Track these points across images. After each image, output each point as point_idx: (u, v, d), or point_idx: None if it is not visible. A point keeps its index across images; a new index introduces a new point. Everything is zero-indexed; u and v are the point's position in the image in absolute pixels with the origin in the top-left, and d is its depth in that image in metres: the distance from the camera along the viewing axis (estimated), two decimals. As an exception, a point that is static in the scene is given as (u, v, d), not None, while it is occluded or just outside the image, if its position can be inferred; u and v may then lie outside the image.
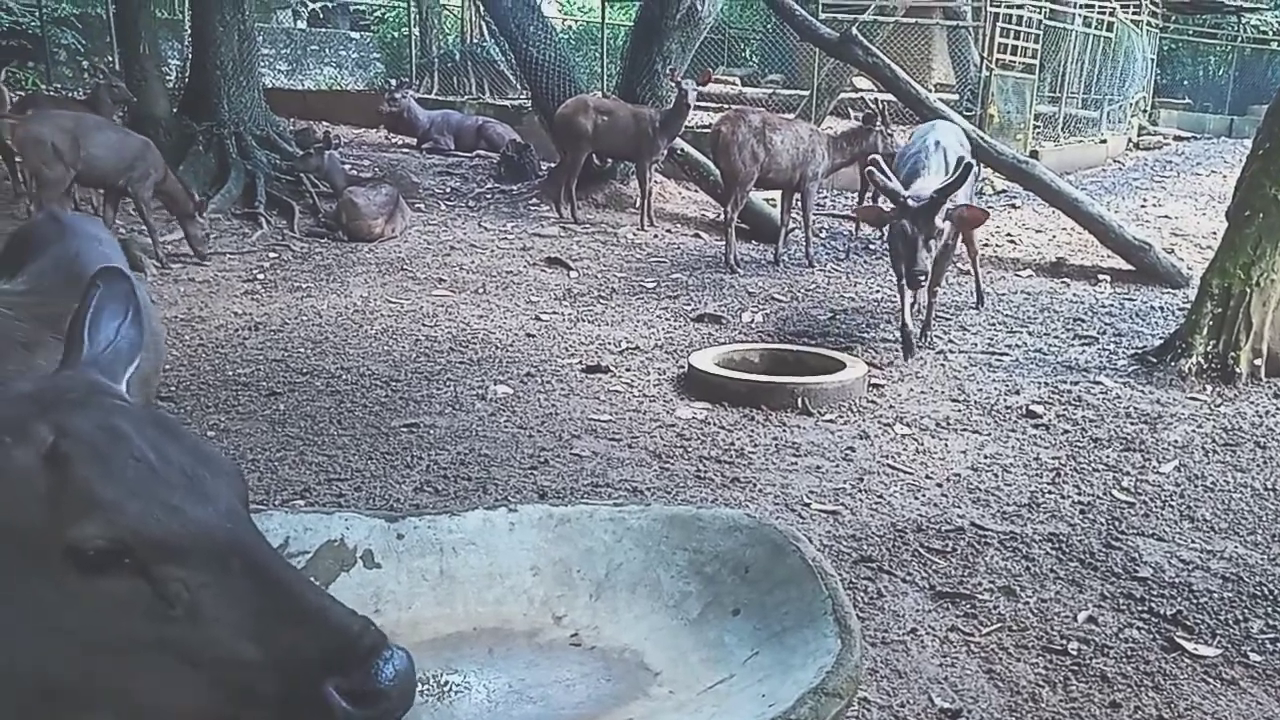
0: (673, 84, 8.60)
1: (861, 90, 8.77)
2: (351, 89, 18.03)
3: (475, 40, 17.02)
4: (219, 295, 6.52)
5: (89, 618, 0.97)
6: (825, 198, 10.25)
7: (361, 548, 2.36)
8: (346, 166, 9.71)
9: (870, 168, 5.48)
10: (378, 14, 20.97)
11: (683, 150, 9.52)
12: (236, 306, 6.22)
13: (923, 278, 5.08)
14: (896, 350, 5.57)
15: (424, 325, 6.00)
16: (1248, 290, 5.11)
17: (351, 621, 1.01)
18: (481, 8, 12.31)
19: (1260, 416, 4.63)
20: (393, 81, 13.78)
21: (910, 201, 5.01)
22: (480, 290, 6.94)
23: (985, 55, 12.54)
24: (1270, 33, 19.71)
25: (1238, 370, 5.08)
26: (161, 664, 0.97)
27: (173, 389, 4.62)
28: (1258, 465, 4.05)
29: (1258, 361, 5.13)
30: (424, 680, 2.13)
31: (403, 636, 2.25)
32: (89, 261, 1.72)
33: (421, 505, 3.40)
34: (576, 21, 19.88)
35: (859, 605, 2.82)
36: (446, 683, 2.14)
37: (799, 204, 8.26)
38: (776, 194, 8.68)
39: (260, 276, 7.06)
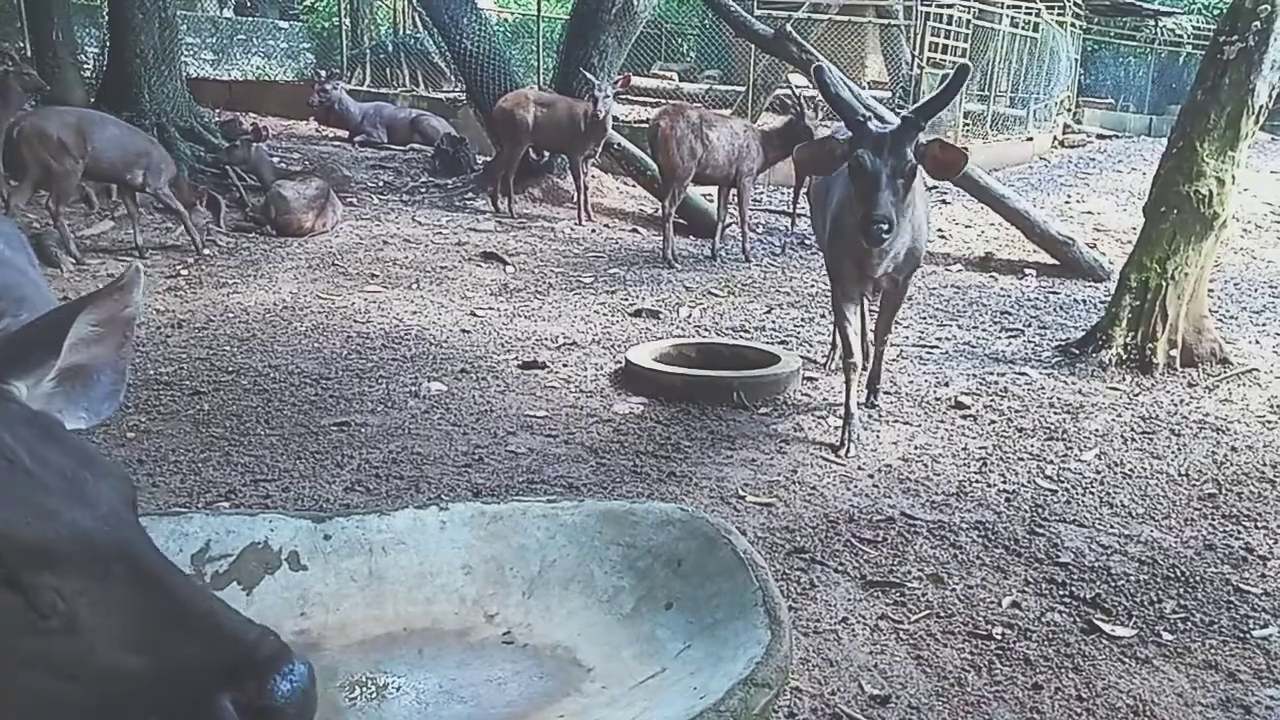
0: (589, 88, 8.51)
1: (799, 87, 8.84)
2: (280, 80, 17.59)
3: (408, 31, 16.76)
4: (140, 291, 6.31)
5: None
6: (761, 193, 10.35)
7: (287, 550, 2.31)
8: (275, 159, 9.47)
9: (815, 70, 4.15)
10: (307, 3, 20.50)
11: (620, 145, 9.51)
12: (159, 303, 6.01)
13: (886, 230, 3.52)
14: (832, 343, 5.57)
15: (355, 322, 5.88)
16: (1164, 284, 5.30)
17: (247, 630, 0.96)
18: (414, -1, 12.14)
19: (1175, 405, 4.81)
20: (323, 73, 13.50)
21: (871, 125, 3.60)
22: (414, 286, 6.84)
23: (917, 53, 12.80)
24: (1185, 36, 20.46)
25: (1154, 361, 5.27)
26: (37, 680, 0.91)
27: (90, 389, 4.44)
28: (1172, 452, 4.21)
29: (1173, 352, 5.33)
30: (354, 682, 2.10)
31: (331, 639, 2.21)
32: None
33: (352, 505, 3.33)
34: (512, 14, 19.70)
35: (792, 596, 2.86)
36: (379, 684, 2.11)
37: (735, 199, 8.32)
38: (713, 189, 8.73)
39: (184, 272, 6.85)
